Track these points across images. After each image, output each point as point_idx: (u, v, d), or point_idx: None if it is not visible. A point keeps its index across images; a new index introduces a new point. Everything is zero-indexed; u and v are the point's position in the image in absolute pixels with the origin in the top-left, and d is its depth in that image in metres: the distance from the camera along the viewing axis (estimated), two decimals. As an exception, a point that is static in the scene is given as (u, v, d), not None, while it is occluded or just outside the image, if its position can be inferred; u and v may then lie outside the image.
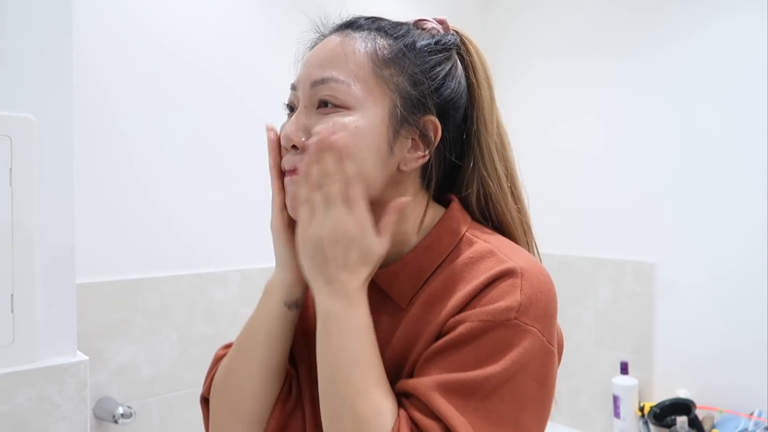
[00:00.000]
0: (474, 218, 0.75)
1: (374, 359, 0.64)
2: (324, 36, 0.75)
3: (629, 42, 2.16)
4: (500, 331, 0.61)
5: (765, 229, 1.84)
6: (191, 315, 1.74)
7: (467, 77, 0.74)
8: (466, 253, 0.69)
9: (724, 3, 1.94)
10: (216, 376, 0.76)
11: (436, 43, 0.72)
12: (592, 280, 2.23)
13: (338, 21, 0.75)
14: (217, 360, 0.79)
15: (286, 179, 0.70)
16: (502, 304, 0.62)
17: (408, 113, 0.69)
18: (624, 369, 2.06)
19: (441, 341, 0.63)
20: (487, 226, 0.75)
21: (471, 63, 0.75)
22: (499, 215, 0.75)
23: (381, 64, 0.69)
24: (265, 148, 0.72)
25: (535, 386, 0.63)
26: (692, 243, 2.00)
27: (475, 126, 0.74)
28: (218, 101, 1.81)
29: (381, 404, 0.60)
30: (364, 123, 0.67)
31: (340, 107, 0.67)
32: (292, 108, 0.73)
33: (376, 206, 0.68)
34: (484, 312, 0.62)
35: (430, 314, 0.66)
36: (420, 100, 0.69)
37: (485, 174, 0.74)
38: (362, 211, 0.65)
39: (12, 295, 0.93)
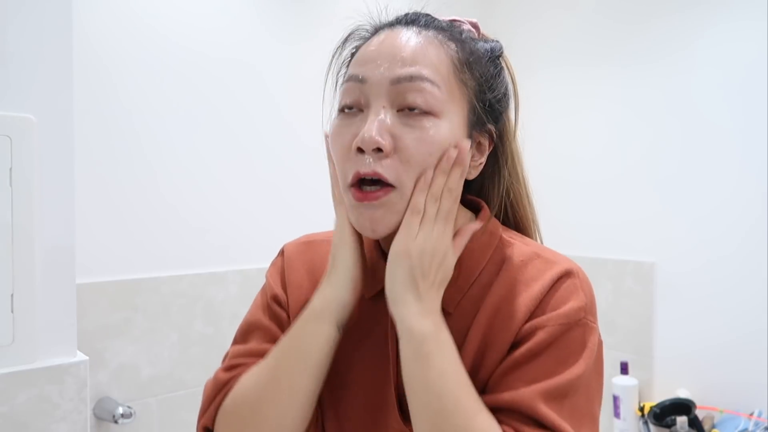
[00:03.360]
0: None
1: (467, 377, 0.63)
2: (378, 29, 0.70)
3: (629, 48, 2.16)
4: (575, 331, 0.64)
5: (765, 230, 1.84)
6: (191, 315, 1.73)
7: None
8: (513, 257, 0.70)
9: (724, 8, 1.94)
10: (236, 404, 0.67)
11: (492, 50, 0.71)
12: (592, 280, 2.22)
13: (392, 15, 0.71)
14: (222, 385, 0.70)
15: (361, 203, 0.63)
16: (573, 305, 0.65)
17: (477, 120, 0.68)
18: (624, 369, 2.06)
19: (523, 349, 0.63)
20: (508, 226, 0.77)
21: (509, 70, 0.75)
22: (520, 216, 0.77)
23: (460, 67, 0.67)
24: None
25: (596, 377, 0.66)
26: (692, 243, 2.00)
27: (506, 131, 0.74)
28: (217, 100, 1.81)
29: (491, 425, 0.60)
30: (452, 134, 0.64)
31: (428, 112, 0.63)
32: (353, 105, 0.66)
33: None
34: (560, 315, 0.64)
35: (499, 321, 0.66)
36: (486, 108, 0.69)
37: (513, 178, 0.75)
38: (452, 230, 0.66)
39: (12, 295, 0.93)
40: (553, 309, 0.64)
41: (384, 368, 0.68)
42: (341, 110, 0.68)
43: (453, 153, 0.63)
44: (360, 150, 0.63)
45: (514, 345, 0.65)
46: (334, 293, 0.67)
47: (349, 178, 0.64)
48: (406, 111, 0.63)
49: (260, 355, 0.72)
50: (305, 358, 0.66)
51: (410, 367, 0.62)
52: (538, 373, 0.62)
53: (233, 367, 0.72)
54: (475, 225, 0.69)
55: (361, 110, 0.66)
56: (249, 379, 0.68)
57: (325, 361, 0.67)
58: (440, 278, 0.64)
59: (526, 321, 0.65)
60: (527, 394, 0.60)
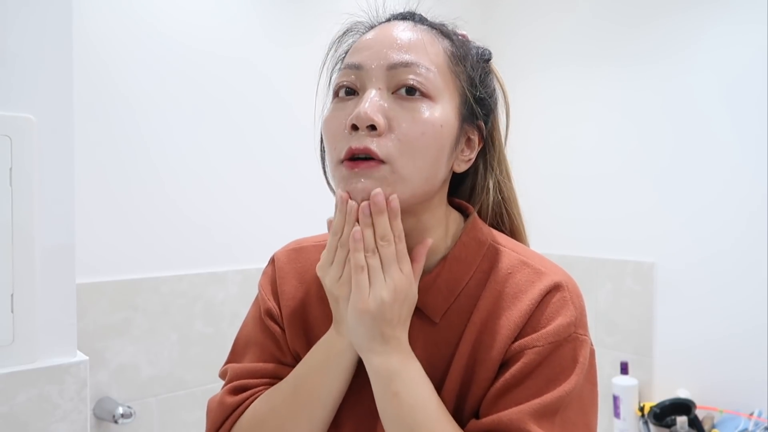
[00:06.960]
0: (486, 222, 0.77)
1: (442, 407, 0.63)
2: (372, 25, 0.72)
3: (628, 49, 2.16)
4: (565, 348, 0.64)
5: (765, 229, 1.84)
6: (191, 315, 1.73)
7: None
8: (500, 266, 0.69)
9: (722, 10, 1.94)
10: None
11: (482, 53, 0.73)
12: (592, 280, 2.23)
13: (389, 11, 0.73)
14: (230, 411, 0.72)
15: (352, 171, 0.62)
16: (563, 321, 0.64)
17: (469, 113, 0.69)
18: (624, 369, 2.06)
19: (513, 371, 0.63)
20: (499, 229, 0.77)
21: (498, 79, 0.76)
22: (512, 217, 0.77)
23: (453, 60, 0.68)
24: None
25: (590, 388, 0.66)
26: (692, 243, 2.00)
27: (496, 134, 0.75)
28: (218, 98, 1.81)
29: None
30: (445, 119, 0.65)
31: (425, 96, 0.64)
32: (350, 90, 0.66)
33: (421, 208, 0.68)
34: (549, 333, 0.63)
35: (488, 337, 0.66)
36: (477, 103, 0.70)
37: (503, 181, 0.76)
38: (409, 264, 0.65)
39: (12, 295, 0.93)
40: (542, 327, 0.64)
41: (373, 402, 0.68)
42: (336, 94, 0.68)
43: (364, 205, 0.62)
44: (354, 127, 0.63)
45: (504, 364, 0.65)
46: (345, 338, 0.67)
47: (342, 154, 0.64)
48: (401, 94, 0.64)
49: (260, 374, 0.73)
50: (325, 398, 0.67)
51: (381, 406, 0.63)
52: (528, 394, 0.62)
53: (238, 389, 0.73)
54: (428, 243, 0.67)
55: (356, 94, 0.66)
56: (265, 410, 0.69)
57: (343, 392, 0.68)
58: (405, 314, 0.65)
59: (515, 339, 0.64)
60: (516, 414, 0.61)
